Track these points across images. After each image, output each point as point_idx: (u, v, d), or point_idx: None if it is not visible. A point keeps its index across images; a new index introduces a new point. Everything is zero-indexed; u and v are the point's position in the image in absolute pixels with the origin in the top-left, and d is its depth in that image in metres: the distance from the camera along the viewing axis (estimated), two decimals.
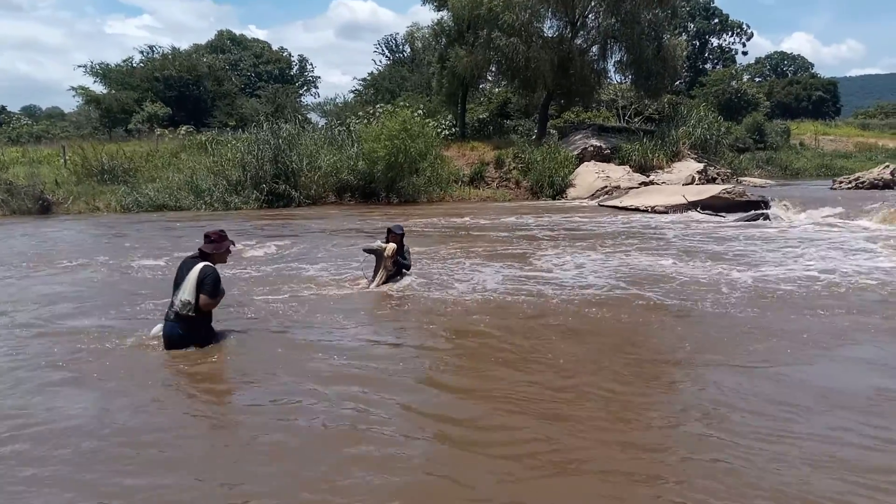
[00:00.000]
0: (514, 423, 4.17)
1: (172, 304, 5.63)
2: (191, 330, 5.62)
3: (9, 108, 56.17)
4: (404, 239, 8.39)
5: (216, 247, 5.82)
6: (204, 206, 20.90)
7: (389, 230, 8.29)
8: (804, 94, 61.97)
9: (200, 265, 5.62)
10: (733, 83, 47.89)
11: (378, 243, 8.19)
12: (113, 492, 3.39)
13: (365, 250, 8.35)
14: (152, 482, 3.47)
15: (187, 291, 5.51)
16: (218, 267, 5.80)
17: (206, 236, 5.89)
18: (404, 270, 8.48)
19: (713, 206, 18.16)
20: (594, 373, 5.09)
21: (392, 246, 8.10)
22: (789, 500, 3.21)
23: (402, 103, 30.70)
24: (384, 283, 8.16)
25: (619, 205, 20.65)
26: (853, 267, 9.36)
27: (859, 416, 4.20)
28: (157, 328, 5.87)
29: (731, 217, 16.82)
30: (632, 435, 4.02)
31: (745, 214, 16.77)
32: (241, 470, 3.61)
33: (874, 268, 9.28)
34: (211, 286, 5.54)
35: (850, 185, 23.09)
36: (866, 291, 7.83)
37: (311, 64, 67.48)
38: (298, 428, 4.13)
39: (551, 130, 31.85)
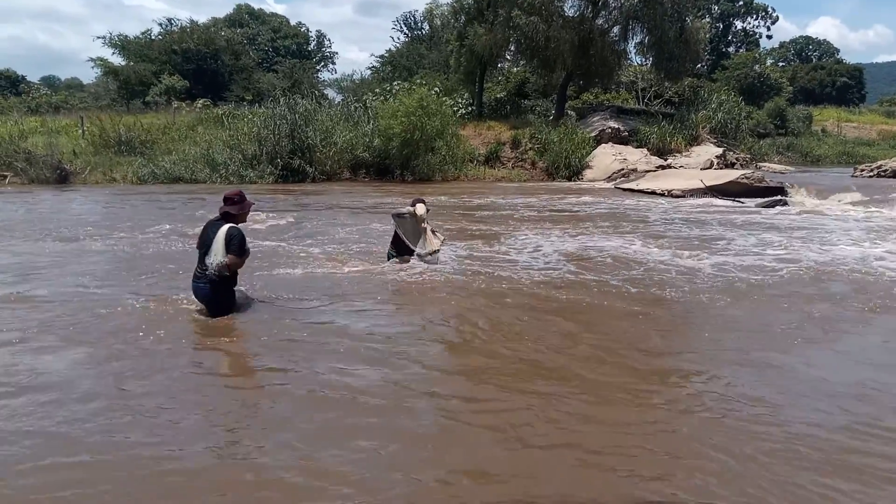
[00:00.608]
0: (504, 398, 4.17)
1: (203, 265, 5.78)
2: (216, 291, 5.79)
3: (28, 78, 56.50)
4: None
5: (239, 207, 5.96)
6: (219, 180, 20.99)
7: (413, 202, 8.17)
8: (828, 80, 60.83)
9: (226, 227, 5.77)
10: (756, 67, 47.11)
11: (407, 209, 7.99)
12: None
13: (395, 216, 8.09)
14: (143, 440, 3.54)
15: (220, 253, 5.68)
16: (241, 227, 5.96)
17: (228, 198, 5.99)
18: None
19: (731, 191, 17.95)
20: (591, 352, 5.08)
21: (421, 206, 7.88)
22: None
23: (419, 81, 30.52)
24: (432, 246, 7.87)
25: (636, 188, 20.48)
26: (871, 254, 9.22)
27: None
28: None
29: (748, 203, 16.62)
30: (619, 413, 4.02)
31: (762, 200, 16.56)
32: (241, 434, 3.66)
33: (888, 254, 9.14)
34: (237, 246, 5.73)
35: (871, 174, 22.76)
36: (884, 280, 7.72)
37: (329, 39, 67.40)
38: (298, 396, 4.15)
39: (569, 111, 31.54)
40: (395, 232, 8.13)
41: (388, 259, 8.13)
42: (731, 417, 3.90)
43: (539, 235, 10.82)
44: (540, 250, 9.44)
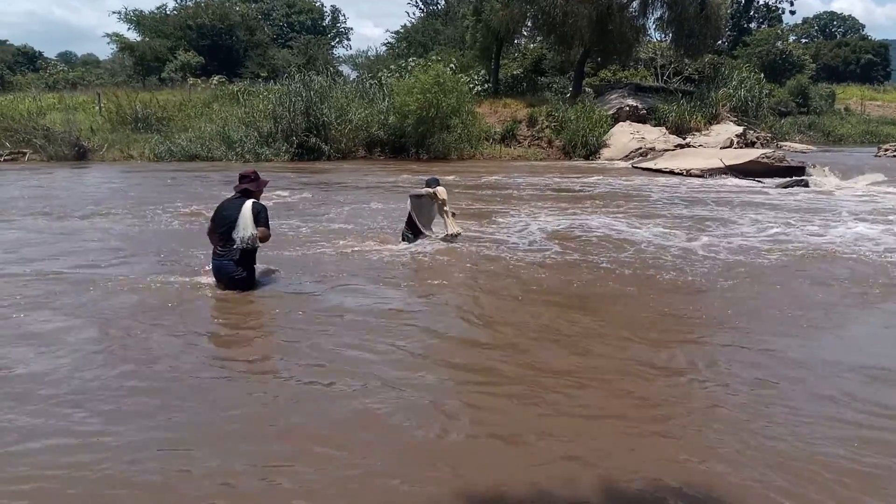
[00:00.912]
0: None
1: (226, 243, 5.91)
2: (240, 265, 5.96)
3: (45, 54, 56.69)
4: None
5: (257, 184, 6.20)
6: (235, 157, 21.00)
7: (427, 182, 8.16)
8: (853, 57, 59.47)
9: (249, 202, 5.98)
10: (778, 44, 46.19)
11: (427, 190, 7.97)
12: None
13: (412, 196, 8.06)
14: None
15: (248, 227, 5.85)
16: None
17: (245, 176, 6.22)
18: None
19: (751, 170, 17.68)
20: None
21: (442, 189, 7.88)
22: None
23: (434, 57, 30.21)
24: (450, 229, 7.92)
25: (654, 167, 20.23)
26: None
27: None
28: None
29: (768, 182, 16.37)
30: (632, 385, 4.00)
31: (782, 180, 16.31)
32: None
33: None
34: (265, 219, 5.98)
35: (895, 153, 22.32)
36: None
37: (344, 15, 66.88)
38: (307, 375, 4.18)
39: (586, 89, 31.11)
40: (410, 212, 8.11)
41: (403, 239, 8.11)
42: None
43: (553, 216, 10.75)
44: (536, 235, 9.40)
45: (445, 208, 7.94)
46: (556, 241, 8.55)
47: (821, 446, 3.37)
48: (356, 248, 7.91)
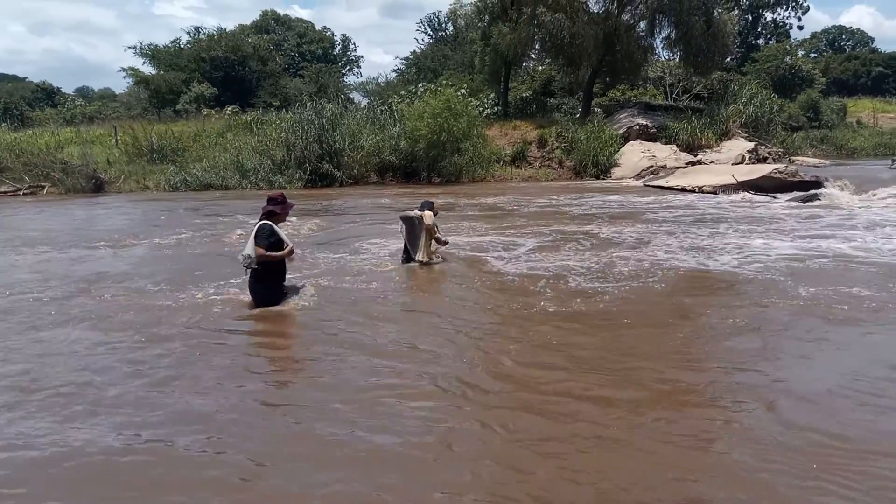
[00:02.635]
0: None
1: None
2: (255, 282, 6.33)
3: (63, 90, 57.86)
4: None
5: (282, 207, 6.48)
6: (249, 186, 21.25)
7: (421, 205, 8.36)
8: (863, 70, 59.27)
9: (259, 223, 6.31)
10: (787, 59, 46.13)
11: (415, 212, 8.18)
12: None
13: (402, 218, 8.31)
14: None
15: (248, 248, 6.20)
16: (280, 226, 6.46)
17: (272, 199, 6.52)
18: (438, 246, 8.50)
19: (764, 186, 17.59)
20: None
21: (429, 214, 8.05)
22: None
23: (444, 82, 30.53)
24: (428, 256, 8.09)
25: (665, 185, 20.19)
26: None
27: None
28: None
29: (782, 198, 16.28)
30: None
31: (796, 195, 16.21)
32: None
33: None
34: (263, 238, 6.18)
35: None
36: None
37: (354, 43, 67.82)
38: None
39: (596, 109, 31.23)
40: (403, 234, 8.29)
41: (403, 261, 8.27)
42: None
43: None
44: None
45: (437, 234, 8.13)
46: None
47: None
48: (368, 267, 8.03)
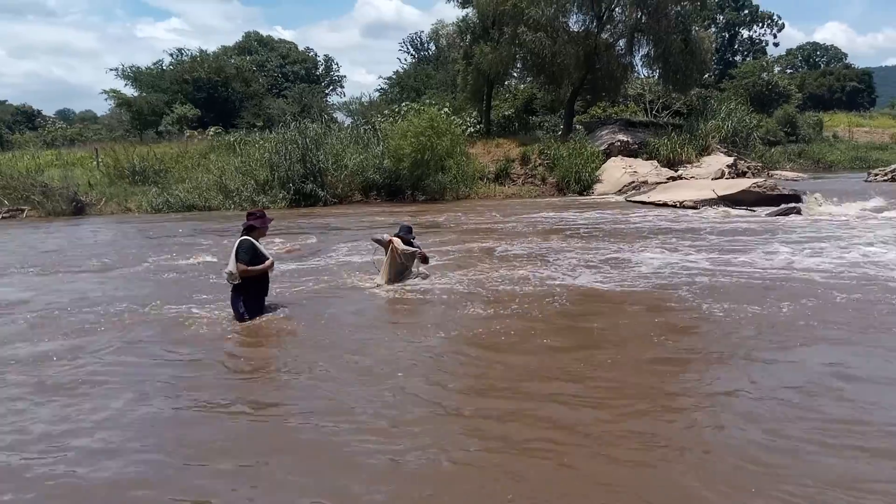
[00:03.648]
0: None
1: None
2: (237, 298, 6.45)
3: (44, 112, 57.58)
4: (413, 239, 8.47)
5: (262, 222, 6.65)
6: (232, 206, 21.17)
7: (400, 227, 8.44)
8: (837, 86, 60.56)
9: (239, 239, 6.46)
10: (764, 75, 47.06)
11: (386, 235, 8.28)
12: None
13: (374, 240, 8.52)
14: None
15: (231, 264, 6.38)
16: (262, 241, 6.71)
17: (251, 213, 6.74)
18: (421, 265, 8.51)
19: (743, 200, 17.84)
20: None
21: (398, 240, 8.08)
22: None
23: (427, 101, 30.74)
24: (395, 279, 8.11)
25: (647, 200, 20.41)
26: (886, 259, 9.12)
27: None
28: None
29: (761, 211, 16.51)
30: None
31: (775, 209, 16.45)
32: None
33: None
34: (243, 253, 6.33)
35: (885, 178, 22.58)
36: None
37: (337, 63, 67.79)
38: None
39: (577, 126, 31.61)
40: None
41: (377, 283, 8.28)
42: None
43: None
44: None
45: (395, 257, 8.09)
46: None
47: None
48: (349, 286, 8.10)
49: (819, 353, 5.30)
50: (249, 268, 6.34)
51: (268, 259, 6.58)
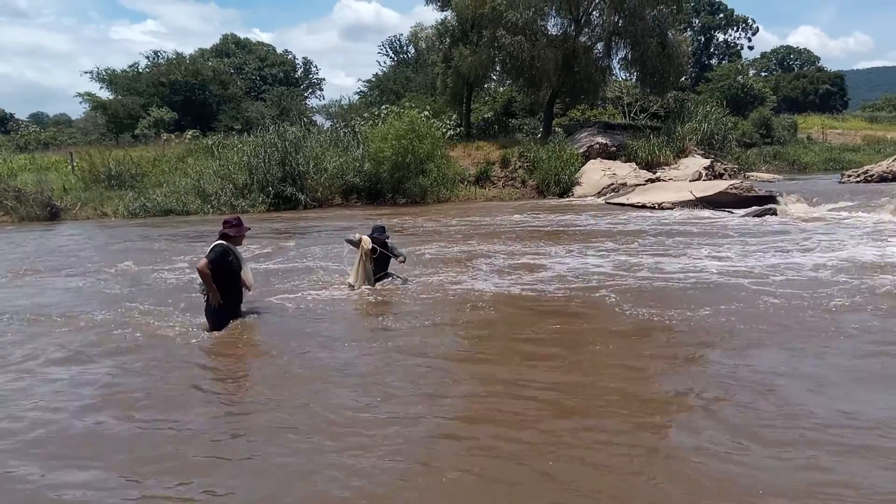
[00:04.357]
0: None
1: None
2: (209, 307, 6.39)
3: (17, 116, 56.53)
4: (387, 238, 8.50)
5: (236, 230, 6.60)
6: (211, 210, 20.97)
7: (373, 229, 8.43)
8: (811, 88, 61.61)
9: (214, 242, 6.46)
10: (739, 78, 47.66)
11: (358, 235, 8.21)
12: None
13: (346, 240, 8.41)
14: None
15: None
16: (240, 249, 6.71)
17: (227, 221, 6.65)
18: (397, 263, 8.53)
19: (721, 201, 18.06)
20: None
21: (367, 239, 8.07)
22: None
23: (407, 104, 30.73)
24: (367, 281, 8.09)
25: (626, 202, 20.57)
26: (867, 256, 9.30)
27: None
28: None
29: (738, 212, 16.73)
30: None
31: (752, 209, 16.68)
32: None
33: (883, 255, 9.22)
34: (211, 251, 6.32)
35: (858, 179, 22.95)
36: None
37: (316, 66, 67.62)
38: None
39: (557, 128, 31.80)
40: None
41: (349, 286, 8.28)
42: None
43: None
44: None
45: (364, 260, 8.08)
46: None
47: None
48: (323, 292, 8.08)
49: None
50: (204, 272, 6.17)
51: (242, 267, 6.56)
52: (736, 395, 4.49)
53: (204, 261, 6.24)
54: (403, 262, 8.53)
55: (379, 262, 8.29)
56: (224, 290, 6.36)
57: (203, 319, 6.50)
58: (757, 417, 4.11)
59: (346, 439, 3.94)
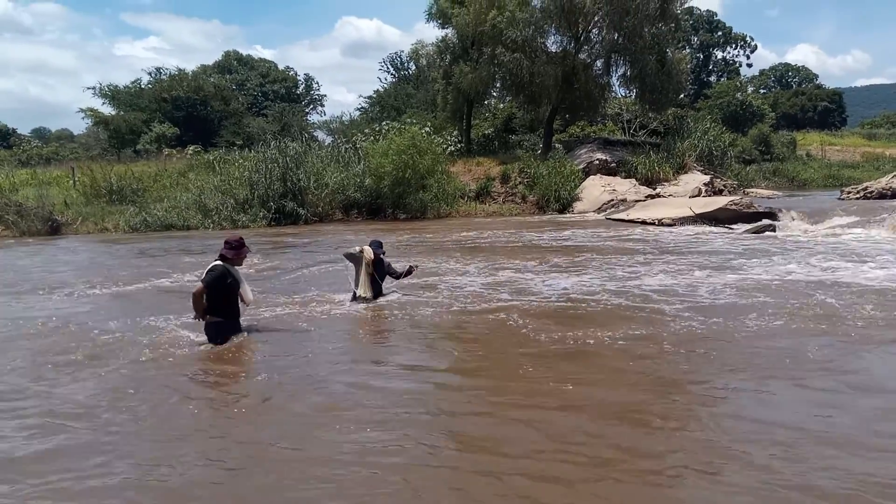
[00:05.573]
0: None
1: None
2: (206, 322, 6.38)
3: (19, 131, 56.88)
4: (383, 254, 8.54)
5: (235, 253, 6.54)
6: (212, 225, 21.00)
7: (370, 243, 8.46)
8: (809, 105, 62.00)
9: (213, 262, 6.42)
10: (738, 95, 48.04)
11: (357, 248, 8.26)
12: None
13: (345, 255, 8.44)
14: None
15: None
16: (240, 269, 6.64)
17: (227, 242, 6.56)
18: (393, 280, 8.66)
19: (720, 217, 18.10)
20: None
21: (369, 250, 8.13)
22: None
23: (408, 120, 30.91)
24: (372, 292, 8.14)
25: (626, 218, 20.61)
26: (866, 274, 9.29)
27: None
28: None
29: (738, 229, 16.75)
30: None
31: (752, 226, 16.70)
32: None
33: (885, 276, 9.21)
34: (209, 275, 6.29)
35: (858, 195, 22.97)
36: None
37: (317, 82, 68.24)
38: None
39: (556, 145, 31.92)
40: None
41: (352, 300, 8.29)
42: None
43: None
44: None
45: (367, 269, 8.12)
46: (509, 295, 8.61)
47: None
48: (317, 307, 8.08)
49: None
50: (197, 297, 6.20)
51: (239, 285, 6.50)
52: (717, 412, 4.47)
53: (200, 286, 6.24)
54: (401, 278, 8.62)
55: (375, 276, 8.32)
56: (223, 307, 6.35)
57: (203, 337, 6.46)
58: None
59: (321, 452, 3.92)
